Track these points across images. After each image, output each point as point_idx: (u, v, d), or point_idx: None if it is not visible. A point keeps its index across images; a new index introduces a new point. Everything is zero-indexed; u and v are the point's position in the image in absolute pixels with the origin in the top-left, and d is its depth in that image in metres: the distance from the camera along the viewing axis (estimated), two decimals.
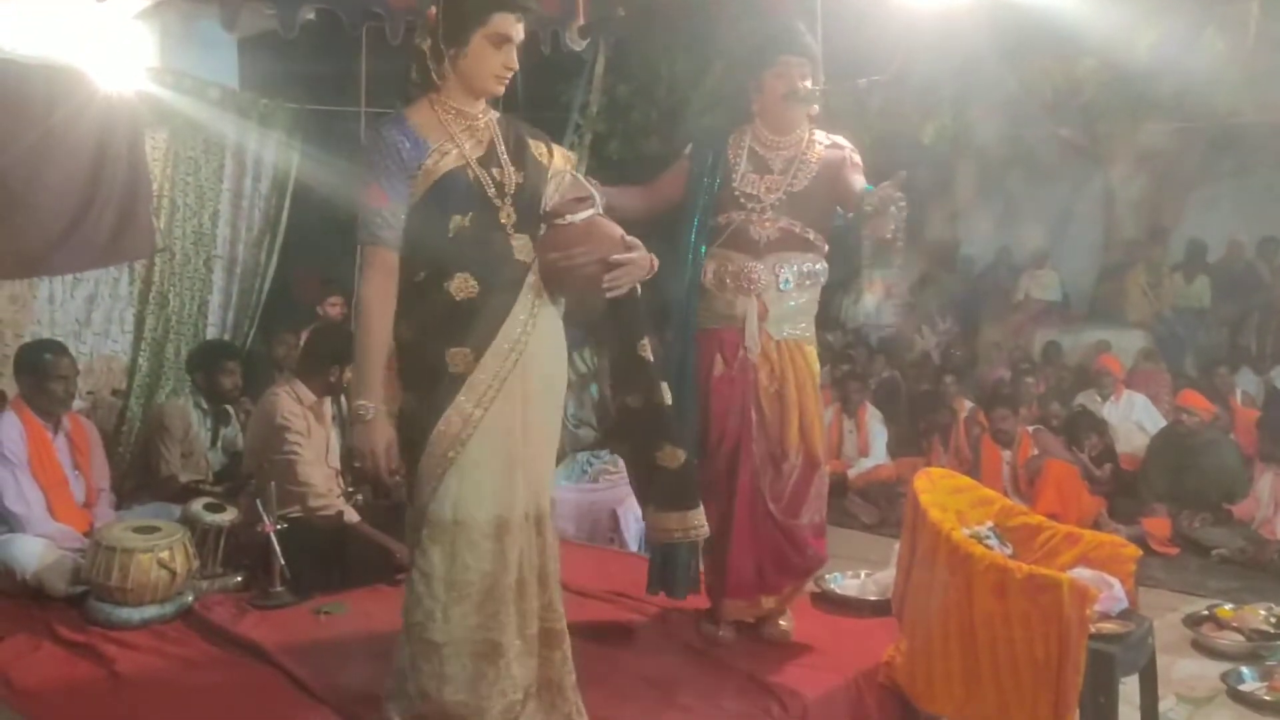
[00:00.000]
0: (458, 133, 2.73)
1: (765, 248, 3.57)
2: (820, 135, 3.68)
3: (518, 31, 2.71)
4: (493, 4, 2.69)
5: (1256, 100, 7.62)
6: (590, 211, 2.79)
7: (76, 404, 4.88)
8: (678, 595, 3.68)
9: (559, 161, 2.91)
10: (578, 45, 5.87)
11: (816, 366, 3.70)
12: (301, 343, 5.57)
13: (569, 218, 2.77)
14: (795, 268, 3.59)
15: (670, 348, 3.63)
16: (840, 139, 3.71)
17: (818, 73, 3.62)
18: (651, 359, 2.97)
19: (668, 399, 2.99)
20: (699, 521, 3.05)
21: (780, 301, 3.59)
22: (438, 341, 2.68)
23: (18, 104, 5.11)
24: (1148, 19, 6.19)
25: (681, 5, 6.75)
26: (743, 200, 3.60)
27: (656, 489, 3.01)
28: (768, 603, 3.66)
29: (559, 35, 5.66)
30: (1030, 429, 6.68)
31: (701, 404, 3.60)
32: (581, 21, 5.65)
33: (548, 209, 2.82)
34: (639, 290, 2.88)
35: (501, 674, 2.67)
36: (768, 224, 3.57)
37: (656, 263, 2.87)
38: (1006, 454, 6.54)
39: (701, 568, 3.68)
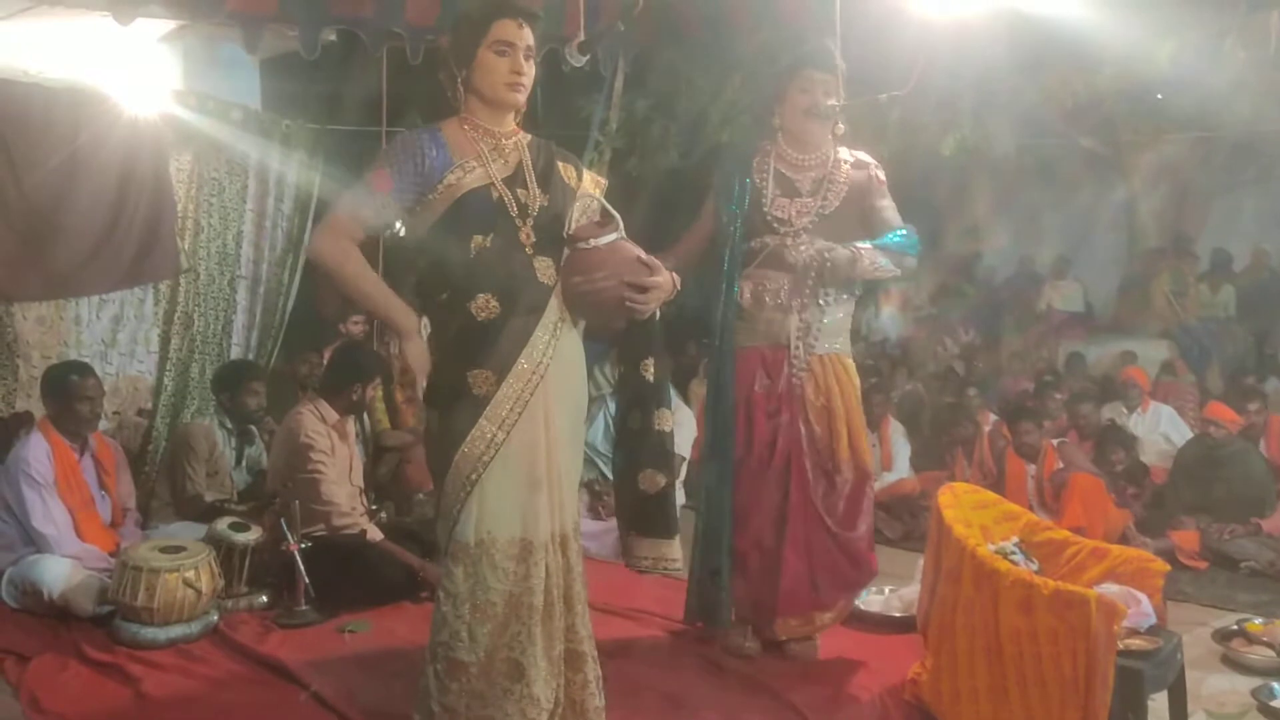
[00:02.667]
0: (485, 151, 2.75)
1: (803, 267, 3.61)
2: (845, 153, 3.71)
3: (522, 37, 2.73)
4: (490, 14, 2.72)
5: (1278, 108, 7.57)
6: (614, 236, 2.78)
7: (102, 424, 4.92)
8: (720, 623, 3.67)
9: (588, 185, 2.92)
10: (577, 61, 5.89)
11: (857, 379, 3.74)
12: (325, 361, 5.61)
13: (592, 241, 2.76)
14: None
15: (694, 369, 3.65)
16: (864, 155, 3.74)
17: (841, 90, 3.65)
18: (653, 380, 2.96)
19: (664, 424, 2.95)
20: (674, 554, 2.99)
21: (821, 317, 3.64)
22: (459, 363, 2.69)
23: (44, 127, 5.19)
24: (1167, 29, 6.16)
25: (699, 19, 6.76)
26: (775, 225, 3.63)
27: (637, 515, 2.97)
28: (822, 619, 3.68)
29: (559, 53, 5.68)
30: (1055, 442, 6.62)
31: (743, 422, 3.62)
32: (581, 38, 5.67)
33: (570, 233, 2.82)
34: (658, 312, 2.88)
35: (523, 695, 2.67)
36: (803, 247, 3.61)
37: (679, 281, 2.87)
38: (1031, 468, 6.49)
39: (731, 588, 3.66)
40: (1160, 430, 7.34)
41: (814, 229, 3.62)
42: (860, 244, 3.58)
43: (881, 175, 3.72)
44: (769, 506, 3.61)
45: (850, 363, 3.73)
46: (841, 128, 3.68)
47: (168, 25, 5.45)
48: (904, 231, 3.66)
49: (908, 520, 6.67)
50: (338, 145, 6.55)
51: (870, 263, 3.56)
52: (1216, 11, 6.13)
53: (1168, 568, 3.48)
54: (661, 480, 2.92)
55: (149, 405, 5.84)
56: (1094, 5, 5.75)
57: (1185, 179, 10.11)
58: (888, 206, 3.69)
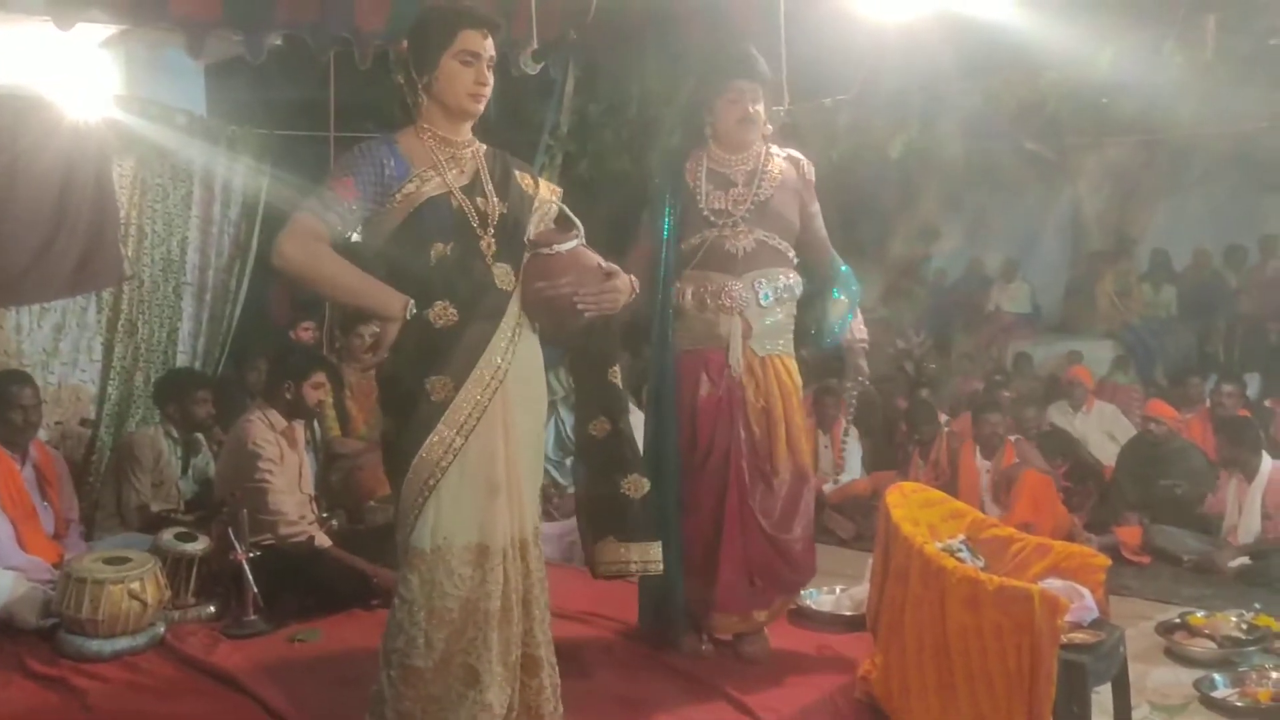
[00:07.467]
0: (442, 160, 2.75)
1: (743, 263, 3.62)
2: (775, 149, 3.77)
3: (486, 48, 2.73)
4: (457, 23, 2.71)
5: (1218, 111, 7.72)
6: (575, 242, 2.81)
7: (44, 434, 4.83)
8: (675, 627, 3.67)
9: (544, 193, 2.93)
10: (531, 70, 5.92)
11: (799, 380, 3.77)
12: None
13: (555, 247, 2.78)
14: (773, 283, 3.66)
15: (647, 372, 3.64)
16: (794, 152, 3.81)
17: (774, 95, 3.71)
18: (620, 385, 2.98)
19: (630, 429, 3.00)
20: (658, 556, 2.99)
21: (761, 318, 3.66)
22: (417, 369, 2.68)
23: None
24: (1108, 33, 6.26)
25: (650, 26, 6.78)
26: (712, 218, 3.64)
27: (619, 520, 2.96)
28: (759, 616, 3.70)
29: (509, 58, 5.68)
30: (1013, 439, 6.70)
31: (687, 425, 3.63)
32: (534, 46, 5.68)
33: (532, 238, 2.83)
34: (614, 316, 2.90)
35: (476, 701, 2.66)
36: (742, 236, 3.62)
37: (637, 284, 2.89)
38: (986, 464, 6.56)
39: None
40: (1104, 428, 7.47)
41: (751, 218, 3.63)
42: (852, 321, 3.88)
43: (811, 175, 3.80)
44: (709, 507, 3.62)
45: (793, 364, 3.75)
46: (769, 128, 3.73)
47: (109, 30, 5.37)
48: (846, 270, 3.85)
49: (860, 521, 6.72)
50: (285, 150, 6.49)
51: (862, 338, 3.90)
52: (1156, 16, 6.24)
53: (1109, 562, 3.53)
54: (646, 484, 2.95)
55: (92, 415, 5.74)
56: (1036, 10, 5.86)
57: (1130, 182, 10.27)
58: (819, 213, 3.79)
